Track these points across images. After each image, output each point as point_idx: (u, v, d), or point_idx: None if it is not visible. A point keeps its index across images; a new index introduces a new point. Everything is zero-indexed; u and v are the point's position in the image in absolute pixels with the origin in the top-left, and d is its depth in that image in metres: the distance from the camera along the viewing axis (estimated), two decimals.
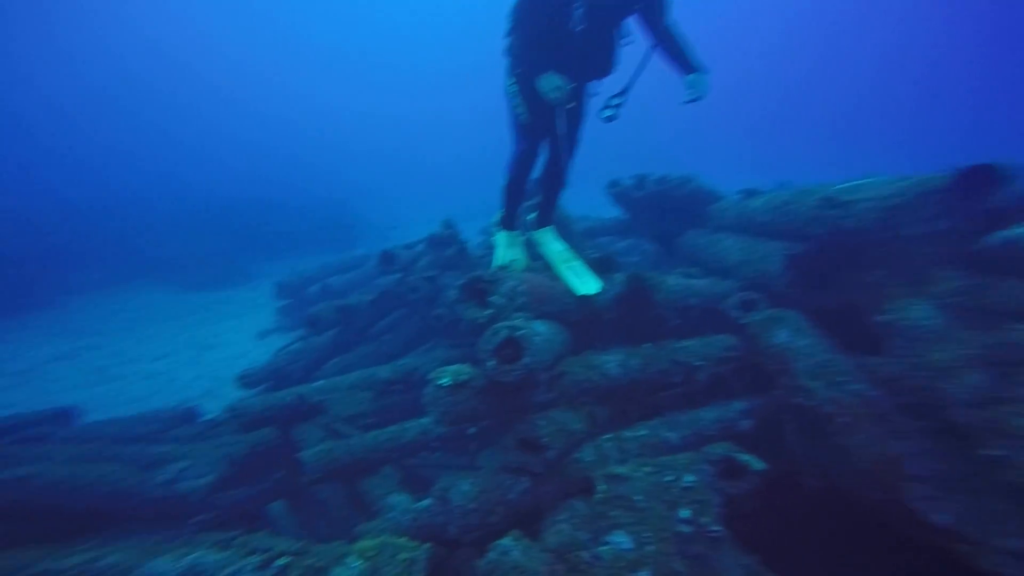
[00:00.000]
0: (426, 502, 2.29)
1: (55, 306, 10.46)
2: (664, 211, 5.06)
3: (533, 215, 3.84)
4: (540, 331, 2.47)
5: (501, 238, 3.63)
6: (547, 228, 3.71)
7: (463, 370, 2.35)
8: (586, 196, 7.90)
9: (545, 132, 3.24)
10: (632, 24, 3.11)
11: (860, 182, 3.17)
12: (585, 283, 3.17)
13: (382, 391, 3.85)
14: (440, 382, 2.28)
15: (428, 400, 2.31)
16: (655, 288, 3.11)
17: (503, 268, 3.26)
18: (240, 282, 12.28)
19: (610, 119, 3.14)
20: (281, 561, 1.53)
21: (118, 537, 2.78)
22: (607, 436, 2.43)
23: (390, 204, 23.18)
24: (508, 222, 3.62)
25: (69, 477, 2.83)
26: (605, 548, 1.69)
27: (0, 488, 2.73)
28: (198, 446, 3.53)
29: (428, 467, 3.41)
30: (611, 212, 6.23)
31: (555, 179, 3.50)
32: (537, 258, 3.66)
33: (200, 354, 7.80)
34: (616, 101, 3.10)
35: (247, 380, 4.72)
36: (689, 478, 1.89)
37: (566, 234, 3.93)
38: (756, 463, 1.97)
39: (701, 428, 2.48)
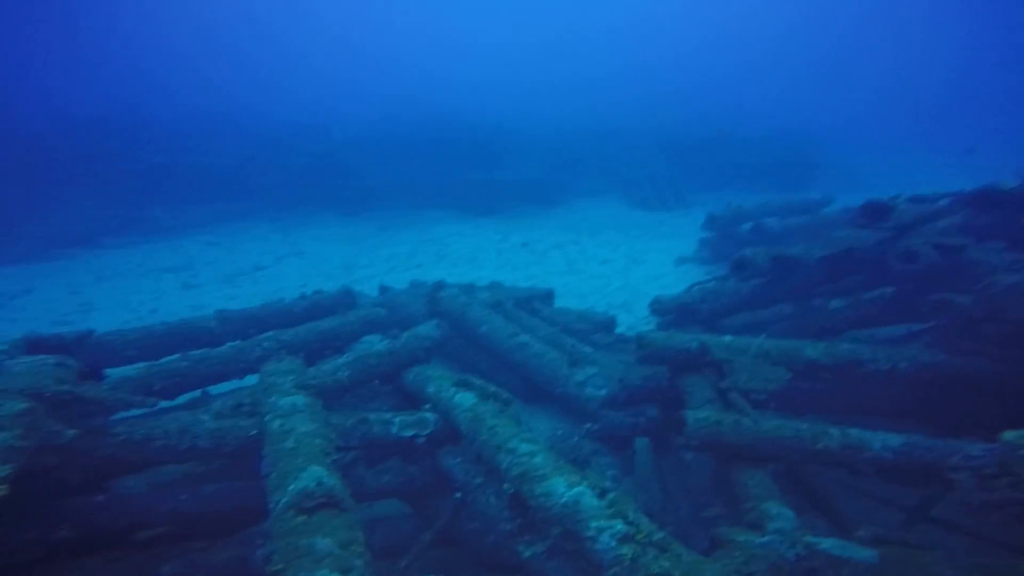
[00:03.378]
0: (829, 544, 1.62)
1: (564, 205, 14.31)
2: None
3: None
4: None
5: None
6: None
7: None
8: None
9: None
10: None
11: None
12: None
13: (803, 372, 3.04)
14: None
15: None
16: None
17: None
18: (676, 207, 12.98)
19: None
20: (629, 551, 1.65)
21: (547, 412, 3.82)
22: None
23: (871, 148, 18.07)
24: None
25: (539, 354, 3.99)
26: None
27: (512, 348, 4.13)
28: (607, 357, 4.17)
29: (836, 483, 2.65)
30: None
31: None
32: None
33: (629, 266, 9.03)
34: None
35: (656, 307, 4.85)
36: None
37: None
38: None
39: None
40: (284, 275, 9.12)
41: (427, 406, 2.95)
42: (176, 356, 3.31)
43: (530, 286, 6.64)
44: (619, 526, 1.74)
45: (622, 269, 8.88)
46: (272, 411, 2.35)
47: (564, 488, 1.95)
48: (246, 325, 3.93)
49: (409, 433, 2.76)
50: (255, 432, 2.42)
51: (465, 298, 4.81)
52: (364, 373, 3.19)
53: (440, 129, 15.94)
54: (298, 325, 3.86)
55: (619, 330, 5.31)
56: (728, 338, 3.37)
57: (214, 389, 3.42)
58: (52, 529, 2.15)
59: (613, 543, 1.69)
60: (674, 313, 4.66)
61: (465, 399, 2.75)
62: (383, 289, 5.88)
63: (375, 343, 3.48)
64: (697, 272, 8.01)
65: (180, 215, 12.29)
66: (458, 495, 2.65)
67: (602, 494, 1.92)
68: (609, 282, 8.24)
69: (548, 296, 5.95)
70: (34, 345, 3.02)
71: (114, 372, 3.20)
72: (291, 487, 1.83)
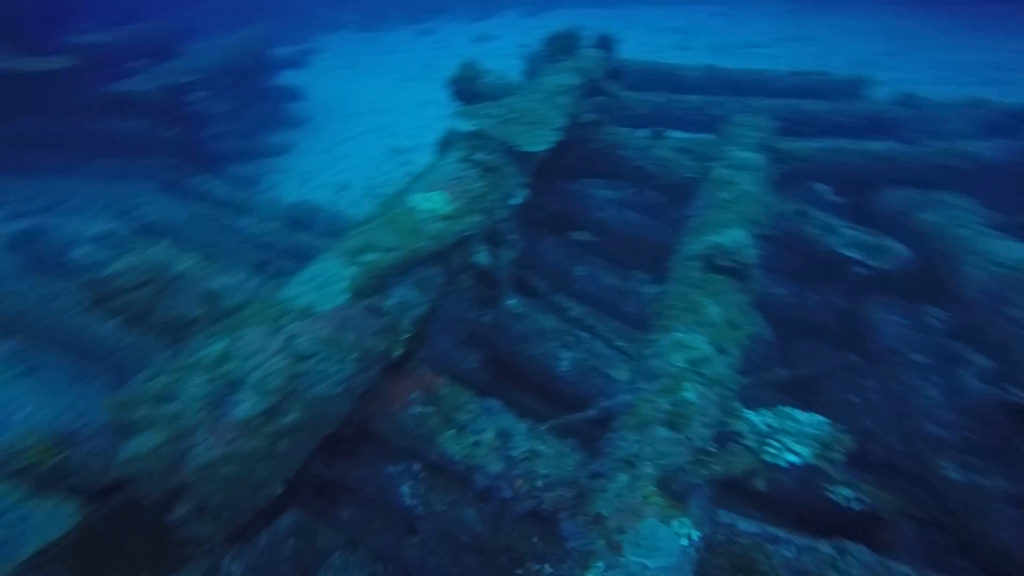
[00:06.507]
0: None
1: None
2: None
3: None
4: None
5: None
6: None
7: None
8: None
9: None
10: None
11: None
12: None
13: None
14: None
15: None
16: None
17: None
18: None
19: None
20: None
21: None
22: None
23: None
24: None
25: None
26: None
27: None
28: None
29: None
30: None
31: None
32: None
33: None
34: None
35: None
36: None
37: None
38: None
39: None
40: (775, 57, 7.58)
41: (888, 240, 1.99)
42: (657, 93, 3.36)
43: None
44: None
45: None
46: (723, 159, 2.04)
47: None
48: (725, 85, 3.52)
49: (852, 254, 1.96)
50: (692, 175, 2.24)
51: None
52: (835, 165, 2.32)
53: None
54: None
55: None
56: None
57: (673, 134, 3.43)
58: (554, 203, 2.73)
59: None
60: None
61: (1013, 249, 1.63)
62: (908, 96, 3.93)
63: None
64: None
65: None
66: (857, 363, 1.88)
67: None
68: None
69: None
70: (599, 43, 3.53)
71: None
72: (707, 237, 1.61)
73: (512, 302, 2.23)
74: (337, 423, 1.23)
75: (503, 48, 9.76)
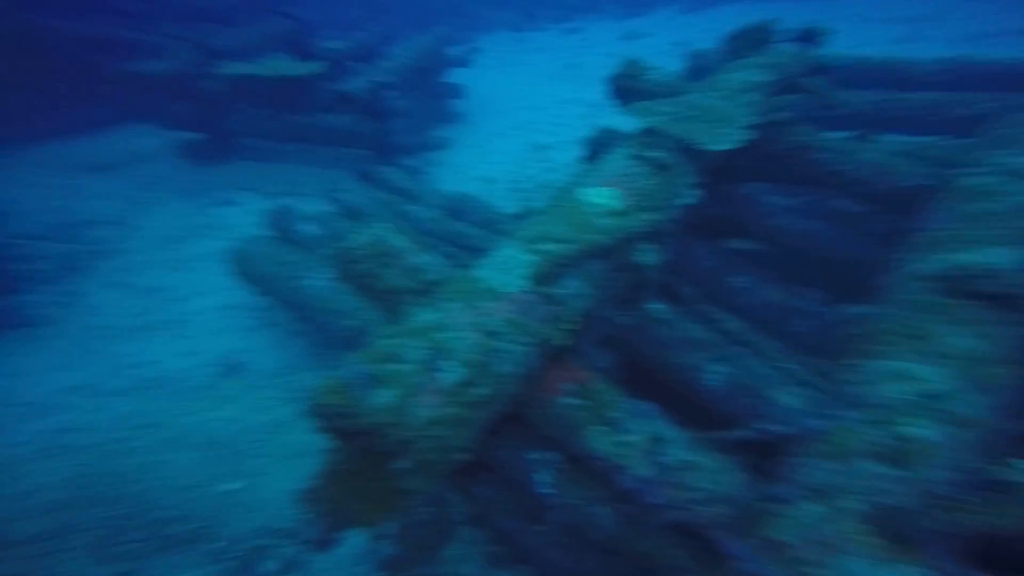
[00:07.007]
0: None
1: None
2: None
3: None
4: None
5: None
6: None
7: None
8: None
9: None
10: None
11: None
12: None
13: None
14: None
15: None
16: None
17: None
18: None
19: None
20: None
21: None
22: None
23: None
24: None
25: None
26: None
27: None
28: None
29: None
30: None
31: None
32: None
33: None
34: None
35: None
36: None
37: None
38: None
39: None
40: None
41: None
42: (872, 91, 2.84)
43: None
44: None
45: None
46: (987, 166, 1.65)
47: None
48: (970, 79, 2.80)
49: None
50: (916, 182, 1.86)
51: None
52: None
53: None
54: None
55: None
56: None
57: (890, 136, 2.87)
58: (713, 207, 2.52)
59: None
60: None
61: None
62: None
63: None
64: None
65: None
66: None
67: None
68: None
69: None
70: (802, 36, 3.16)
71: None
72: (951, 255, 1.32)
73: (656, 307, 2.15)
74: (511, 402, 1.35)
75: (653, 46, 9.26)
